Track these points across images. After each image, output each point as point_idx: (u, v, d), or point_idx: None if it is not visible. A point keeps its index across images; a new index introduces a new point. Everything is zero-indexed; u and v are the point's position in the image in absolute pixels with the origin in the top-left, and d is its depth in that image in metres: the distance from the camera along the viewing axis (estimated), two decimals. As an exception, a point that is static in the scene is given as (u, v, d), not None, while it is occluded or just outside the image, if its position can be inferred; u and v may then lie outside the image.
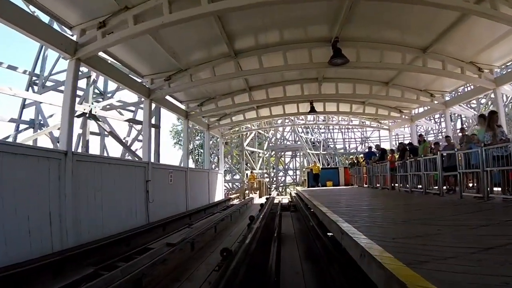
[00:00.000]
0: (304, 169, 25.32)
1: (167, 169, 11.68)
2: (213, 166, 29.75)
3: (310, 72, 12.64)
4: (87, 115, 12.09)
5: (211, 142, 30.05)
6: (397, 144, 13.27)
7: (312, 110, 16.23)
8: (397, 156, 12.85)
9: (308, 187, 19.86)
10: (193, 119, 15.43)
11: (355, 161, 20.14)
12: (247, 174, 24.32)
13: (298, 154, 39.13)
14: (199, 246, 6.55)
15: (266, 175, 36.11)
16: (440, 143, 11.19)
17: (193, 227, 8.22)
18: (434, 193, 9.29)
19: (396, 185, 13.03)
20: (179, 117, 13.97)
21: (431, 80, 13.22)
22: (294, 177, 41.70)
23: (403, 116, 18.28)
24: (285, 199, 19.07)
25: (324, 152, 41.32)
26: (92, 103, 12.57)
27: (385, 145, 47.20)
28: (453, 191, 9.30)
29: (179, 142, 37.85)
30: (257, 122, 21.20)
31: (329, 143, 46.99)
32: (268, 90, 13.49)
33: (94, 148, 32.01)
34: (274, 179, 38.79)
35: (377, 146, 16.01)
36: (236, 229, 8.60)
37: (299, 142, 36.10)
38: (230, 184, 31.12)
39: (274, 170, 38.92)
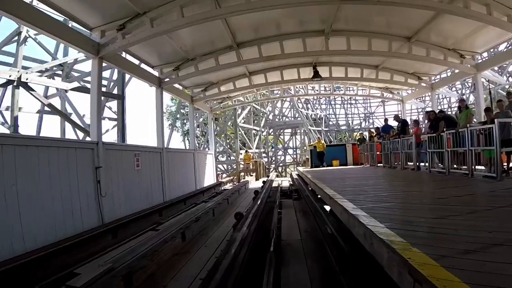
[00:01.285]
0: (306, 147, 22.73)
1: (130, 151, 9.15)
2: (205, 146, 27.32)
3: (314, 22, 9.99)
4: (14, 84, 9.42)
5: (201, 119, 27.53)
6: (424, 112, 10.77)
7: (316, 76, 13.58)
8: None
9: (311, 167, 17.46)
10: (170, 88, 12.80)
11: (366, 136, 17.67)
12: (241, 154, 21.82)
13: (298, 131, 36.61)
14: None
15: (264, 154, 33.72)
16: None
17: (159, 229, 5.81)
18: (485, 176, 6.88)
19: (422, 164, 10.70)
20: (151, 85, 11.32)
21: (465, 35, 10.65)
22: (294, 156, 39.37)
23: (422, 84, 15.67)
24: (285, 182, 16.71)
25: (326, 129, 38.77)
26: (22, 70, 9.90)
27: (391, 122, 44.86)
28: (506, 173, 6.93)
29: (176, 124, 35.11)
30: (251, 94, 18.58)
31: (331, 119, 44.40)
32: (261, 48, 10.81)
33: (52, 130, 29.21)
34: (273, 158, 36.43)
35: (397, 117, 13.45)
36: (216, 234, 6.09)
37: (299, 118, 33.46)
38: (225, 166, 28.73)
39: (273, 149, 36.51)
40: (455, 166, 8.43)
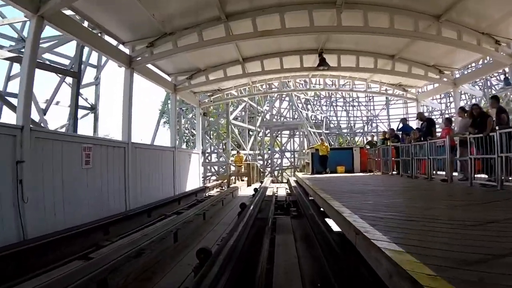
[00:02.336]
0: (306, 150, 20.59)
1: (76, 142, 7.00)
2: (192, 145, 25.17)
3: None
4: None
5: (190, 115, 25.41)
6: (469, 107, 8.66)
7: (322, 64, 11.57)
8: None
9: (312, 173, 15.36)
10: (147, 72, 10.73)
11: (378, 140, 15.69)
12: (233, 156, 19.64)
13: (297, 133, 34.55)
14: None
15: (259, 157, 31.61)
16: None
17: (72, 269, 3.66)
18: None
19: (456, 174, 8.72)
20: (120, 64, 9.24)
21: (501, 17, 8.75)
22: (292, 159, 37.28)
23: (443, 79, 13.66)
24: (282, 189, 14.60)
25: (327, 132, 36.75)
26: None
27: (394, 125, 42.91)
28: None
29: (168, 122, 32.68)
30: (245, 87, 16.51)
31: (332, 121, 42.42)
32: (256, 21, 8.75)
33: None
34: (269, 162, 34.32)
35: (420, 115, 11.40)
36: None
37: (298, 119, 31.39)
38: (216, 167, 26.58)
39: (269, 152, 34.42)
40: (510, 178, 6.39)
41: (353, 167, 15.96)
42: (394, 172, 12.16)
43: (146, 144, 12.10)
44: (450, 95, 32.85)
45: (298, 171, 26.73)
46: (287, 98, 37.15)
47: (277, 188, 15.04)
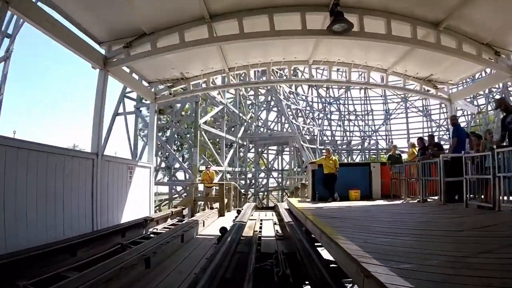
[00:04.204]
0: (305, 166, 15.87)
1: None
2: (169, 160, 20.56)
3: None
4: None
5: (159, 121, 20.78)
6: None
7: (339, 20, 7.36)
8: None
9: (313, 199, 10.92)
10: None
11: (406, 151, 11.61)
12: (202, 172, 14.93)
13: (286, 148, 30.31)
14: None
15: (242, 175, 27.05)
16: None
17: None
18: None
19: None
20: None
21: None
22: (280, 179, 32.85)
23: (501, 64, 9.74)
24: (268, 223, 10.08)
25: (322, 147, 32.57)
26: None
27: (400, 142, 39.05)
28: None
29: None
30: (220, 75, 12.20)
31: (326, 135, 38.44)
32: None
33: None
34: (253, 181, 29.77)
35: (502, 102, 7.13)
36: None
37: (289, 131, 27.12)
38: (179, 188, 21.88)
39: (254, 170, 29.97)
40: None
41: (371, 191, 11.59)
42: (432, 197, 7.85)
43: (38, 144, 7.28)
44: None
45: (288, 196, 22.25)
46: (274, 108, 33.11)
47: (261, 221, 10.49)
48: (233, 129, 24.65)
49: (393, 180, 11.66)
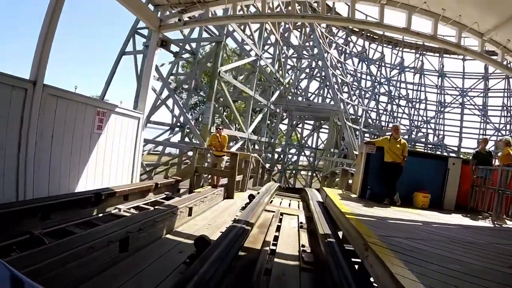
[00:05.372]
0: (360, 147, 12.02)
1: None
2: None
3: None
4: None
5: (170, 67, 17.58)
6: None
7: None
8: None
9: (362, 196, 7.53)
10: None
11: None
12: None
13: (325, 124, 26.69)
14: None
15: (269, 148, 23.87)
16: None
17: None
18: None
19: None
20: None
21: None
22: (311, 157, 29.46)
23: None
24: (291, 222, 6.89)
25: (365, 130, 28.63)
26: None
27: (451, 140, 34.33)
28: None
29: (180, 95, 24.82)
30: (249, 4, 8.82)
31: (371, 117, 34.22)
32: None
33: None
34: (281, 157, 26.56)
35: None
36: None
37: (332, 102, 23.36)
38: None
39: (283, 143, 26.71)
40: None
41: (442, 197, 8.09)
42: None
43: None
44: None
45: (320, 181, 18.95)
46: (318, 78, 29.22)
47: (281, 215, 7.29)
48: (264, 92, 21.23)
49: (476, 188, 8.11)
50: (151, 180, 10.60)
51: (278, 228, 6.19)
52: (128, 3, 8.52)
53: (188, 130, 17.20)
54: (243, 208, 7.22)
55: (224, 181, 9.51)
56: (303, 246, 5.01)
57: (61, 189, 6.94)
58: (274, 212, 7.40)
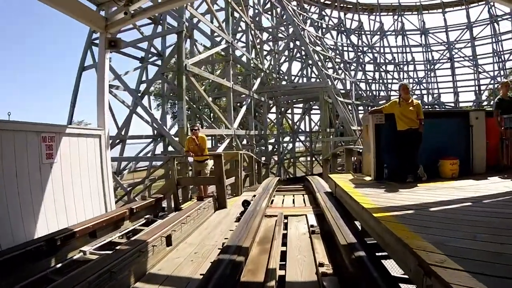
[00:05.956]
0: (364, 119, 10.38)
1: None
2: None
3: None
4: None
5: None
6: None
7: None
8: None
9: (378, 178, 6.18)
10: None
11: None
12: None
13: (315, 104, 25.40)
14: None
15: (261, 141, 22.52)
16: None
17: None
18: None
19: None
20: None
21: None
22: (307, 142, 28.26)
23: None
24: (299, 227, 5.57)
25: (358, 103, 27.35)
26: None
27: (447, 97, 33.22)
28: None
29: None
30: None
31: (361, 88, 32.94)
32: None
33: None
34: (276, 147, 25.24)
35: None
36: None
37: (319, 79, 21.98)
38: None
39: (275, 132, 25.41)
40: None
41: (471, 160, 6.81)
42: None
43: None
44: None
45: (322, 165, 17.66)
46: (298, 58, 27.85)
47: (285, 219, 5.96)
48: (245, 82, 19.79)
49: (506, 141, 6.85)
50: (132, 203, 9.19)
51: (285, 238, 4.87)
52: (64, 6, 7.10)
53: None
54: (240, 218, 5.88)
55: (214, 188, 8.14)
56: (320, 265, 3.66)
57: (16, 239, 5.61)
58: (276, 216, 6.04)
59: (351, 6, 36.31)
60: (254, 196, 7.60)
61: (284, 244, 4.61)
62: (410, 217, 3.37)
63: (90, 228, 5.77)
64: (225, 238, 4.73)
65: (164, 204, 8.83)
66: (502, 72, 31.69)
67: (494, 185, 5.32)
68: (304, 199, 8.39)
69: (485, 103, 31.77)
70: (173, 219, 5.44)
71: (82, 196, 7.39)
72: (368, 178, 6.50)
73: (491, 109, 8.11)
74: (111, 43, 7.70)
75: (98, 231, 5.88)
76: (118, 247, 4.28)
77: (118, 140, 15.39)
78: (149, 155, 17.36)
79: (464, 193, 4.65)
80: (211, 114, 22.44)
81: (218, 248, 4.42)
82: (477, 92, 33.12)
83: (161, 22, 16.77)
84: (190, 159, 8.48)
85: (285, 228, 5.46)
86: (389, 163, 6.18)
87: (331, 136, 21.06)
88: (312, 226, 5.28)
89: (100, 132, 7.55)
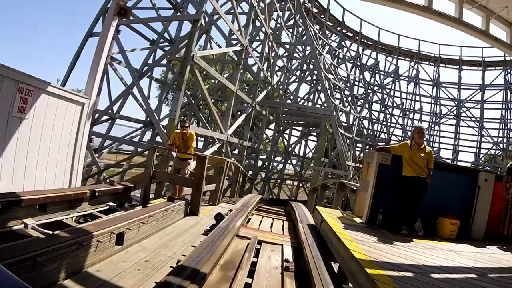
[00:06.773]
0: (366, 156, 9.67)
1: None
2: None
3: None
4: None
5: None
6: None
7: None
8: None
9: (370, 222, 5.58)
10: None
11: None
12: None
13: (315, 131, 24.93)
14: None
15: (253, 154, 21.88)
16: None
17: None
18: None
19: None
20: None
21: None
22: (298, 166, 27.72)
23: None
24: (272, 254, 4.91)
25: (358, 139, 26.93)
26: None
27: (446, 153, 32.97)
28: None
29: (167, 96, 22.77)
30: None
31: (363, 126, 32.58)
32: None
33: None
34: (266, 164, 24.63)
35: None
36: None
37: (325, 106, 21.56)
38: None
39: (269, 149, 24.83)
40: None
41: (470, 223, 6.28)
42: None
43: None
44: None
45: (308, 193, 17.07)
46: (309, 79, 27.52)
47: (258, 242, 5.30)
48: (250, 89, 19.26)
49: (510, 210, 6.36)
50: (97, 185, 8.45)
51: (253, 266, 4.21)
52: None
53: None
54: (208, 232, 5.21)
55: (189, 191, 7.47)
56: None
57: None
58: (249, 239, 5.40)
59: (371, 43, 36.32)
60: (231, 210, 6.94)
61: (251, 275, 3.95)
62: (409, 283, 2.76)
63: (39, 200, 5.04)
64: (183, 255, 4.04)
65: (138, 195, 8.11)
66: (505, 140, 31.65)
67: (495, 256, 4.79)
68: (283, 226, 7.74)
69: (480, 167, 31.58)
70: (132, 214, 4.75)
71: (47, 164, 6.72)
72: (359, 220, 5.90)
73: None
74: (120, 11, 7.15)
75: (49, 206, 5.17)
76: (56, 232, 3.57)
77: (108, 118, 14.72)
78: (136, 140, 16.64)
79: (465, 261, 4.10)
80: (209, 116, 21.87)
81: (174, 264, 3.75)
82: (477, 154, 32.98)
83: (181, 10, 16.36)
84: (174, 154, 7.83)
85: (256, 255, 4.79)
86: (385, 209, 5.59)
87: (324, 166, 20.50)
88: (286, 260, 4.61)
89: (84, 100, 6.91)
